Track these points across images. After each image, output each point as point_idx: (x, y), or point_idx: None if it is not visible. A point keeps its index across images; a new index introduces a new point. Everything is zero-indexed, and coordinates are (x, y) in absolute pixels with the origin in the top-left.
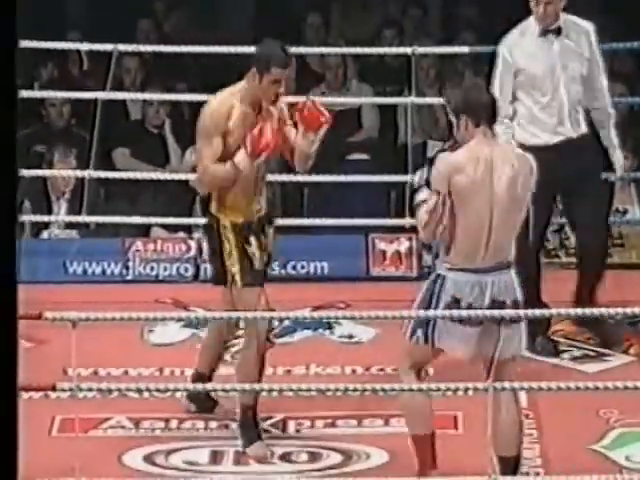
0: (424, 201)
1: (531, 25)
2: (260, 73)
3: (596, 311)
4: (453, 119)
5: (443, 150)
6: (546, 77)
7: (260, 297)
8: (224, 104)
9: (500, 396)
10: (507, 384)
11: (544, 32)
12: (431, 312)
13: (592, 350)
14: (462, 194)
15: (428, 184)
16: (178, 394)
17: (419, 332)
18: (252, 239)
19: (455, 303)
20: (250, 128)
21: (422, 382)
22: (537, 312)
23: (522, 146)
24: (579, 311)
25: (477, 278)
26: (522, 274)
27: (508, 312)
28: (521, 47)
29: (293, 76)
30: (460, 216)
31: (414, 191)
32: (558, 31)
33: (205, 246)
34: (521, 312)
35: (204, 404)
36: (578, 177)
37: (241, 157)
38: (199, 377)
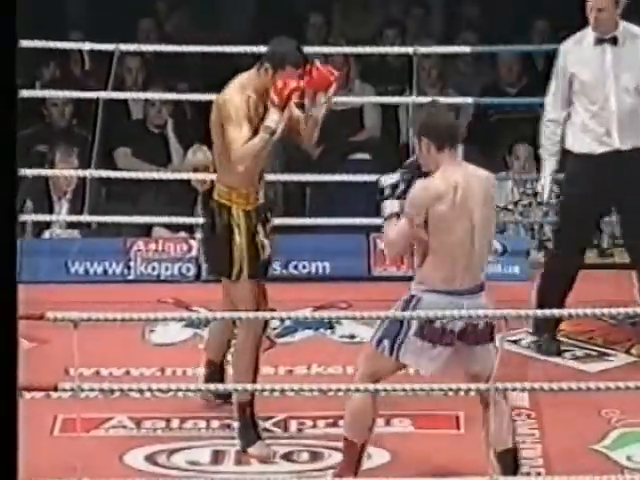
0: (395, 216)
1: (589, 33)
2: (274, 69)
3: (597, 311)
4: (415, 141)
5: (416, 167)
6: (596, 86)
7: (256, 289)
8: (242, 94)
9: (489, 396)
10: (509, 385)
11: (599, 41)
12: (431, 313)
13: (594, 350)
14: (442, 221)
15: (399, 196)
16: (181, 393)
17: (385, 342)
18: (260, 227)
19: (429, 323)
20: (261, 119)
21: (371, 397)
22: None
23: (568, 153)
24: (581, 311)
25: (452, 300)
26: (554, 284)
27: (511, 312)
28: (575, 54)
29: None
30: (439, 241)
31: (382, 194)
32: (614, 40)
33: (203, 239)
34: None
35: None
36: (626, 190)
37: (271, 120)
38: (211, 364)
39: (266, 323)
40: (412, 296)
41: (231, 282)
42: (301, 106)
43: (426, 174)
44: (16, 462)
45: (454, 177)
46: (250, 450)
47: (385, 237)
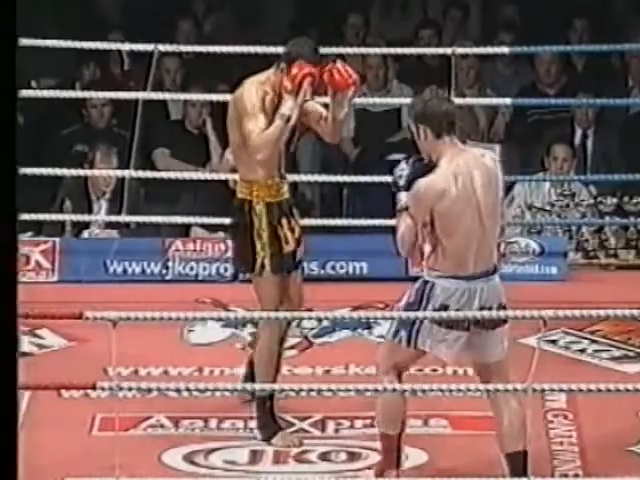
0: (405, 209)
1: None
2: (288, 67)
3: (636, 312)
4: (413, 129)
5: (420, 160)
6: None
7: (285, 289)
8: (259, 89)
9: (498, 395)
10: (546, 385)
11: None
12: (453, 313)
13: (632, 350)
14: (448, 215)
15: (407, 188)
16: (218, 393)
17: (402, 333)
18: (283, 220)
19: (443, 310)
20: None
21: (402, 384)
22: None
23: None
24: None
25: (467, 285)
26: None
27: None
28: None
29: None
30: (447, 233)
31: (396, 186)
32: None
33: (230, 237)
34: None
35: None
36: None
37: (286, 107)
38: (252, 364)
39: (289, 322)
40: (426, 282)
41: (255, 277)
42: (324, 106)
43: (430, 168)
44: (16, 462)
45: (453, 167)
46: (274, 441)
47: (397, 231)
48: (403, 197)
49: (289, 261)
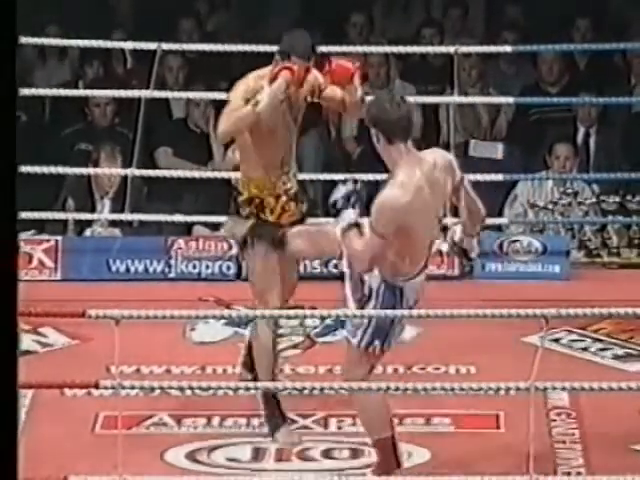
0: (355, 226)
1: None
2: (282, 60)
3: (605, 311)
4: (372, 130)
5: (356, 181)
6: None
7: (279, 261)
8: (255, 83)
9: None
10: (549, 384)
11: None
12: (467, 312)
13: (634, 349)
14: (413, 226)
15: (354, 205)
16: (221, 391)
17: (377, 342)
18: (270, 200)
19: (415, 304)
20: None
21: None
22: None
23: None
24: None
25: (419, 280)
26: None
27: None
28: None
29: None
30: (411, 243)
31: (335, 207)
32: None
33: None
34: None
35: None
36: None
37: (260, 95)
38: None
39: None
40: (394, 286)
41: (246, 250)
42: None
43: (374, 189)
44: (16, 462)
45: (414, 177)
46: (276, 436)
47: (349, 249)
48: (347, 215)
49: (275, 230)
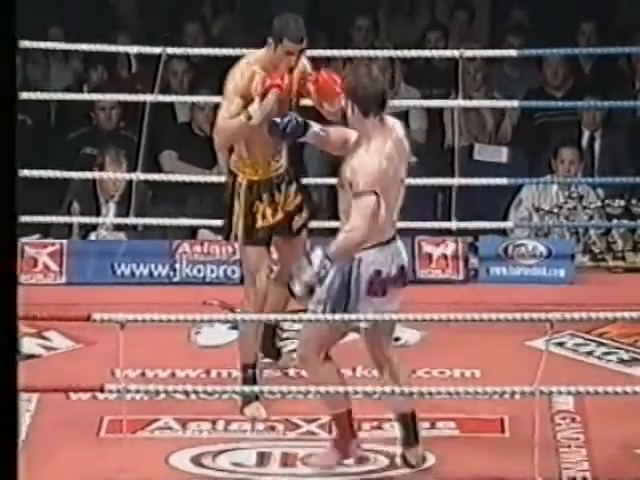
0: (329, 259)
1: None
2: (275, 44)
3: (610, 315)
4: (347, 102)
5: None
6: None
7: (263, 257)
8: (247, 70)
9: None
10: (554, 388)
11: None
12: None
13: (639, 353)
14: (386, 191)
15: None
16: (226, 395)
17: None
18: (265, 196)
19: (377, 276)
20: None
21: (330, 363)
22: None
23: None
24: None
25: (389, 248)
26: None
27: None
28: None
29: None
30: (382, 206)
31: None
32: None
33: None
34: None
35: (270, 352)
36: None
37: (252, 107)
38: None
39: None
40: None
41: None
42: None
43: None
44: (16, 462)
45: (385, 148)
46: (245, 410)
47: (351, 240)
48: (331, 248)
49: (264, 235)
